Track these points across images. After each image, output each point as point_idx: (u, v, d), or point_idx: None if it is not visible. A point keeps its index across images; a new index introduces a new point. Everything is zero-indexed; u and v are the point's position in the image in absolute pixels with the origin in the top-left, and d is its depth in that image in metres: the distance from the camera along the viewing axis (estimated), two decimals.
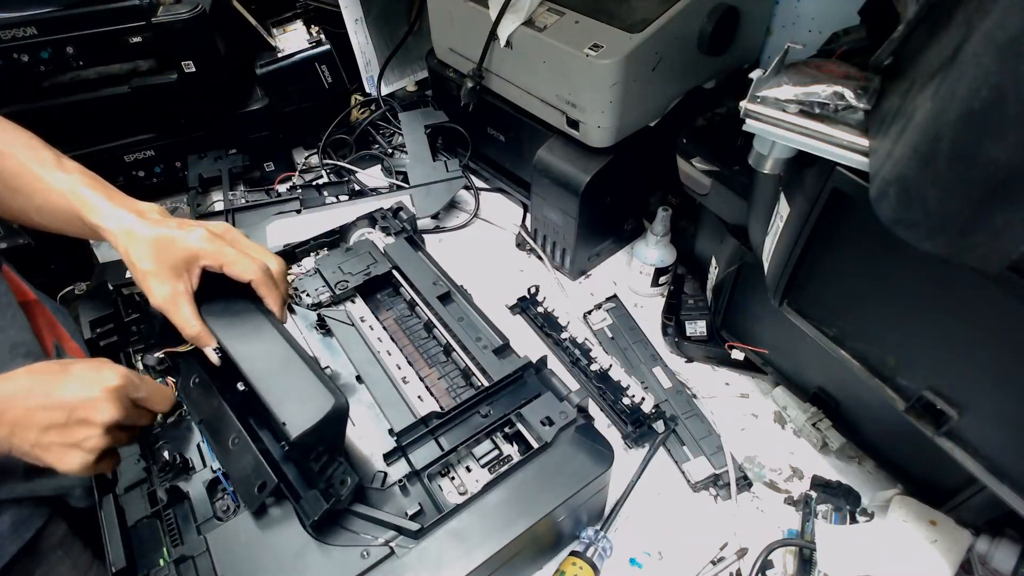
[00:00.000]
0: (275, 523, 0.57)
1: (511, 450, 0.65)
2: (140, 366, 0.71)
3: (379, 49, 1.22)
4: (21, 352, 0.64)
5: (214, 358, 0.62)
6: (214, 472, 0.62)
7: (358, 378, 0.72)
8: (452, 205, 1.12)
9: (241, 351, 0.58)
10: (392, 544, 0.55)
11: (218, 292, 0.62)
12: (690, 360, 0.89)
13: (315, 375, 0.56)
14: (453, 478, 0.63)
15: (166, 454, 0.62)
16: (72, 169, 0.62)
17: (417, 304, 0.79)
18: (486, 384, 0.69)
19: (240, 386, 0.61)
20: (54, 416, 0.51)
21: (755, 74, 0.53)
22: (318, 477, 0.57)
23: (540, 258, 1.02)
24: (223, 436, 0.61)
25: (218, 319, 0.61)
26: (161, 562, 0.54)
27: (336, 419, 0.55)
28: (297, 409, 0.53)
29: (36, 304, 0.72)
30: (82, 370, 0.54)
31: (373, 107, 1.24)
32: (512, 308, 0.96)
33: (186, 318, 0.60)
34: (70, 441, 0.52)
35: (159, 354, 0.68)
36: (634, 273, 0.96)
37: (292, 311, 0.79)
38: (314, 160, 1.21)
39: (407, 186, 1.06)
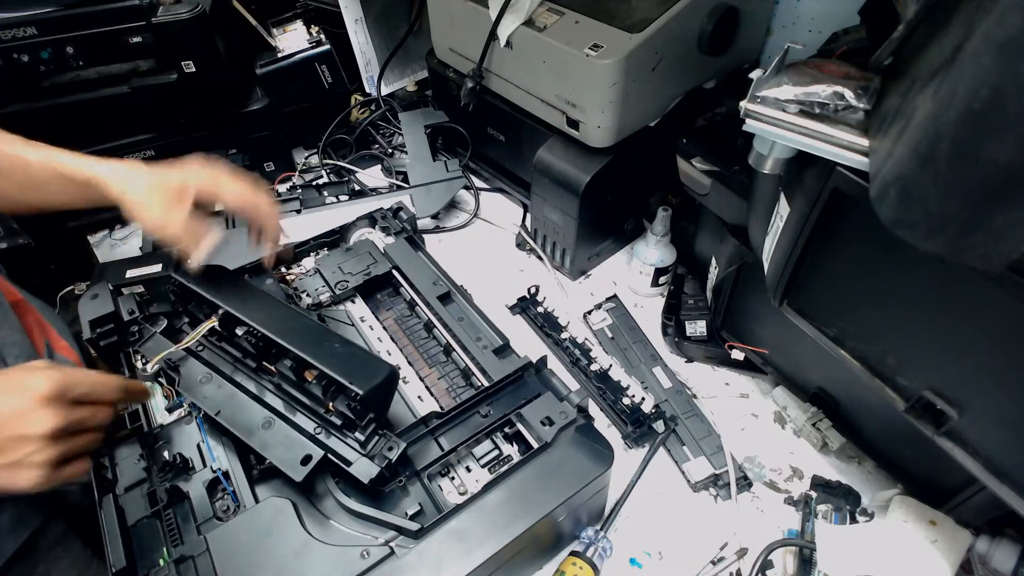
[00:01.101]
0: (275, 523, 0.57)
1: (511, 450, 0.65)
2: (139, 366, 0.71)
3: (379, 49, 1.22)
4: (13, 352, 0.64)
5: (202, 255, 0.64)
6: (214, 472, 0.62)
7: None
8: (452, 205, 1.12)
9: (285, 333, 0.61)
10: (392, 544, 0.55)
11: (235, 286, 0.64)
12: (690, 360, 0.89)
13: (364, 349, 0.61)
14: (453, 478, 0.63)
15: (166, 454, 0.62)
16: (39, 145, 0.64)
17: (417, 304, 0.79)
18: (486, 384, 0.69)
19: (287, 362, 0.62)
20: None
21: (755, 74, 0.53)
22: (362, 447, 0.59)
23: (540, 258, 1.02)
24: (248, 423, 0.62)
25: (245, 306, 0.63)
26: (161, 562, 0.54)
27: (391, 383, 0.60)
28: (359, 373, 0.58)
29: (23, 304, 0.72)
30: (6, 381, 0.50)
31: (373, 107, 1.24)
32: (512, 308, 0.96)
33: (177, 223, 0.62)
34: (11, 460, 0.48)
35: (156, 362, 0.68)
36: (634, 273, 0.96)
37: None
38: (314, 160, 1.21)
39: (407, 186, 1.06)
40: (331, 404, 0.60)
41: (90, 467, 0.57)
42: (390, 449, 0.59)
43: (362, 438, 0.59)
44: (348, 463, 0.58)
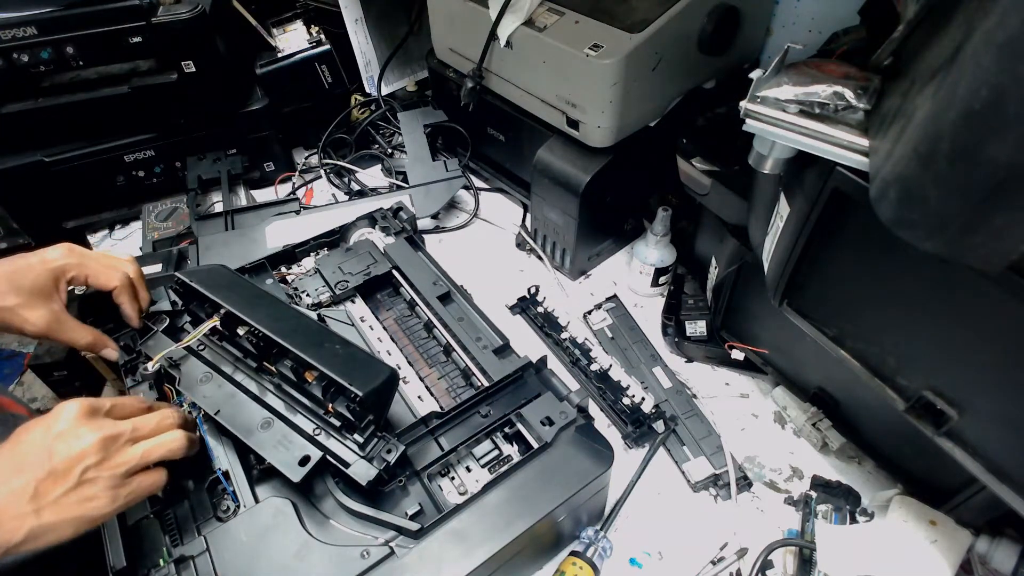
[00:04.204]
0: (275, 523, 0.57)
1: (511, 450, 0.65)
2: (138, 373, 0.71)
3: (379, 49, 1.22)
4: None
5: (114, 355, 0.66)
6: (214, 472, 0.62)
7: None
8: (452, 205, 1.12)
9: (286, 333, 0.61)
10: (392, 544, 0.55)
11: (237, 285, 0.64)
12: (690, 360, 0.89)
13: (365, 350, 0.60)
14: (453, 478, 0.63)
15: None
16: None
17: (417, 304, 0.79)
18: (486, 384, 0.69)
19: (287, 362, 0.62)
20: (32, 475, 0.47)
21: (755, 74, 0.53)
22: (361, 448, 0.59)
23: (540, 258, 1.02)
24: (247, 423, 0.62)
25: (247, 305, 0.63)
26: (161, 562, 0.54)
27: (391, 385, 0.60)
28: (359, 374, 0.57)
29: None
30: (45, 417, 0.51)
31: (373, 107, 1.24)
32: (512, 308, 0.96)
33: (76, 331, 0.62)
34: (75, 482, 0.48)
35: (157, 361, 0.68)
36: (634, 273, 0.96)
37: None
38: (314, 160, 1.21)
39: (407, 186, 1.06)
40: (331, 405, 0.60)
41: (164, 478, 0.55)
42: (389, 451, 0.59)
43: (361, 440, 0.59)
44: (346, 465, 0.58)
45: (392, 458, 0.58)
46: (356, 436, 0.59)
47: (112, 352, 0.67)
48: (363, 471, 0.57)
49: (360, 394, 0.55)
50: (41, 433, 0.50)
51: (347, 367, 0.58)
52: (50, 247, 0.62)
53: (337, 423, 0.60)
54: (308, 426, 0.61)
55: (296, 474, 0.57)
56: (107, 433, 0.51)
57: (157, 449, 0.54)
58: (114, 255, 0.69)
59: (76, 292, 0.71)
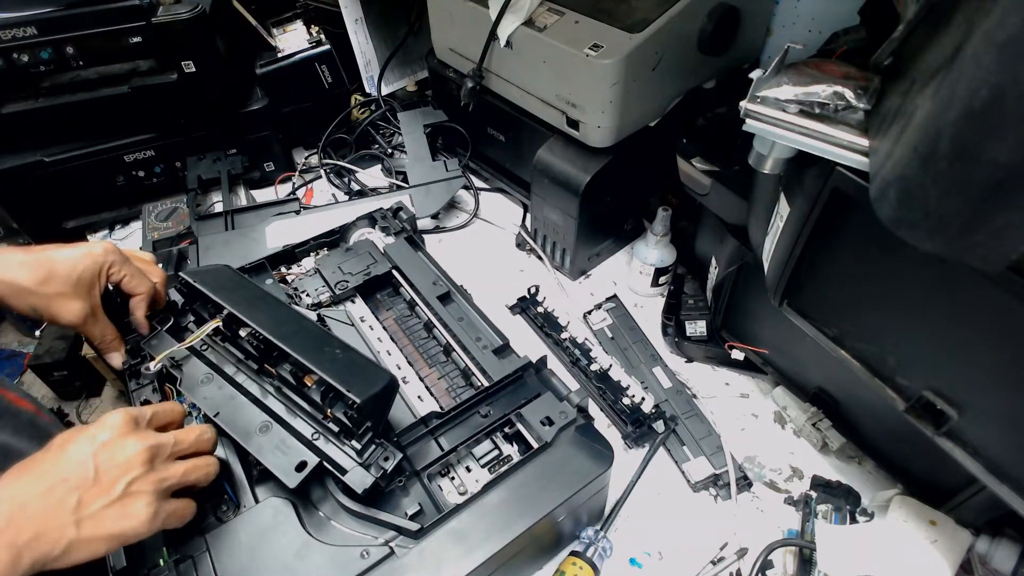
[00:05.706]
0: (275, 523, 0.57)
1: (511, 450, 0.65)
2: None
3: (379, 49, 1.22)
4: None
5: (119, 361, 0.67)
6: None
7: None
8: (452, 205, 1.12)
9: (286, 336, 0.60)
10: (392, 544, 0.55)
11: (241, 286, 0.65)
12: (690, 360, 0.89)
13: (365, 356, 0.60)
14: (453, 478, 0.63)
15: None
16: None
17: (417, 304, 0.79)
18: (486, 384, 0.69)
19: (287, 366, 0.62)
20: (75, 484, 0.47)
21: (755, 74, 0.53)
22: (358, 455, 0.58)
23: (540, 258, 1.02)
24: (246, 426, 0.61)
25: (249, 307, 0.63)
26: (161, 562, 0.54)
27: (390, 391, 0.60)
28: (358, 380, 0.57)
29: None
30: (88, 427, 0.51)
31: (373, 107, 1.24)
32: (512, 308, 0.96)
33: (104, 328, 0.63)
34: (118, 494, 0.48)
35: (159, 361, 0.68)
36: (634, 273, 0.96)
37: None
38: (314, 160, 1.21)
39: (407, 186, 1.06)
40: (329, 410, 0.59)
41: (195, 510, 0.55)
42: (386, 459, 0.58)
43: (359, 446, 0.58)
44: (343, 471, 0.58)
45: (389, 466, 0.57)
46: (354, 442, 0.59)
47: (118, 357, 0.67)
48: (359, 479, 0.57)
49: (358, 401, 0.55)
50: (86, 442, 0.49)
51: (346, 373, 0.57)
52: (91, 242, 0.63)
53: (335, 428, 0.60)
54: (307, 430, 0.61)
55: (292, 480, 0.57)
56: (152, 443, 0.51)
57: (195, 471, 0.54)
58: (147, 257, 0.69)
59: None
